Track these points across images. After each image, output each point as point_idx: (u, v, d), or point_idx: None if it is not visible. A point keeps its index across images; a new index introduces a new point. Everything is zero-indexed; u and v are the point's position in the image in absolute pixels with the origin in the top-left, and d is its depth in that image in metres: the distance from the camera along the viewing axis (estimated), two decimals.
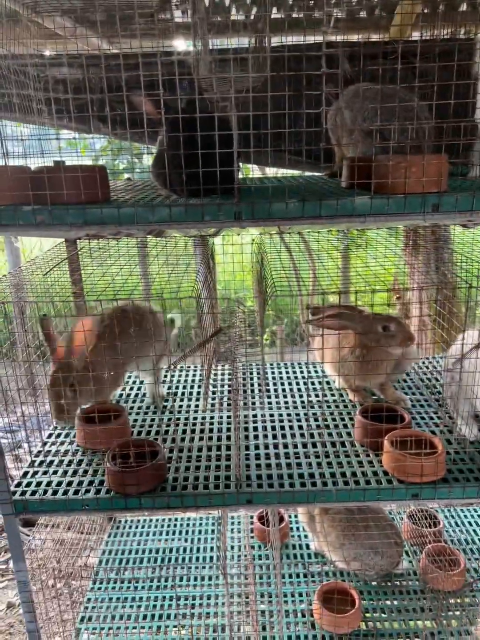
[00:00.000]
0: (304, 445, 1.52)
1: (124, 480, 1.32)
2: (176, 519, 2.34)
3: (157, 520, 2.33)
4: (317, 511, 2.01)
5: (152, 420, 1.73)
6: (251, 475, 1.40)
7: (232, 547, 2.10)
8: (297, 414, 1.70)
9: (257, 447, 1.53)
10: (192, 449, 1.53)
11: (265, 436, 1.59)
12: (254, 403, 1.69)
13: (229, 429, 1.63)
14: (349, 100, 1.54)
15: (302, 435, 1.58)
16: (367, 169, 1.14)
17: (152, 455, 1.39)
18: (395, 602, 1.88)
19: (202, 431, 1.64)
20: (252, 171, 2.95)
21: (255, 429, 1.63)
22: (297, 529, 2.22)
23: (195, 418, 1.72)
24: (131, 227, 1.11)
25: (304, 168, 2.03)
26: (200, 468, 1.44)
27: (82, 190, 1.11)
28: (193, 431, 1.64)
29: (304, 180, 1.67)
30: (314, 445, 1.52)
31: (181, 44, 2.27)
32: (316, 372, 2.02)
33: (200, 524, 2.28)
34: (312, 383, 1.94)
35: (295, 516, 2.25)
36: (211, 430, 1.64)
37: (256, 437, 1.59)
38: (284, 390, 1.89)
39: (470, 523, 2.24)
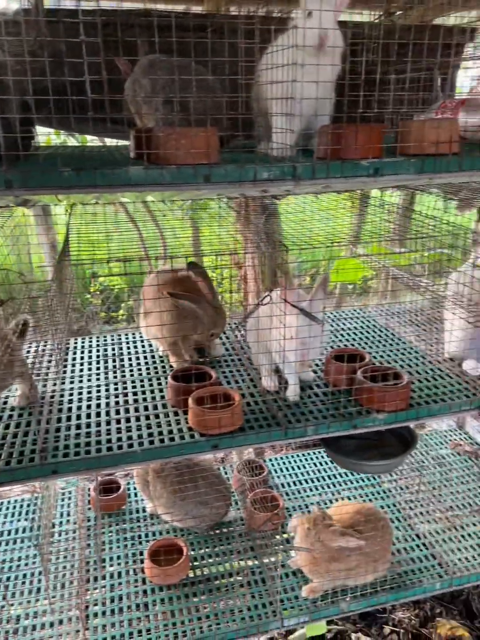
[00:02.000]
0: (117, 412, 1.57)
1: None
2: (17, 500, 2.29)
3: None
4: (151, 476, 2.09)
5: None
6: (59, 446, 1.41)
7: (62, 523, 2.11)
8: (115, 384, 1.74)
9: (69, 418, 1.54)
10: None
11: (80, 407, 1.60)
12: (47, 375, 1.68)
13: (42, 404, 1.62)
14: (145, 71, 1.56)
15: (116, 403, 1.62)
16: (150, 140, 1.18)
17: None
18: (222, 548, 2.04)
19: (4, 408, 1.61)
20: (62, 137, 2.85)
21: (71, 401, 1.64)
22: (136, 494, 2.29)
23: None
24: None
25: (111, 135, 2.01)
26: (4, 445, 1.42)
27: None
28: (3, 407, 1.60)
29: (106, 151, 1.67)
30: (127, 411, 1.58)
31: None
32: (141, 341, 2.07)
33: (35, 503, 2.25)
34: (135, 352, 1.98)
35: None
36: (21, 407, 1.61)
37: (70, 409, 1.59)
38: (98, 361, 1.91)
39: (289, 468, 2.49)
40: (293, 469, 2.48)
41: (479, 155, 1.30)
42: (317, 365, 1.82)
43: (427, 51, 1.60)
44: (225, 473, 2.44)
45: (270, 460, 2.55)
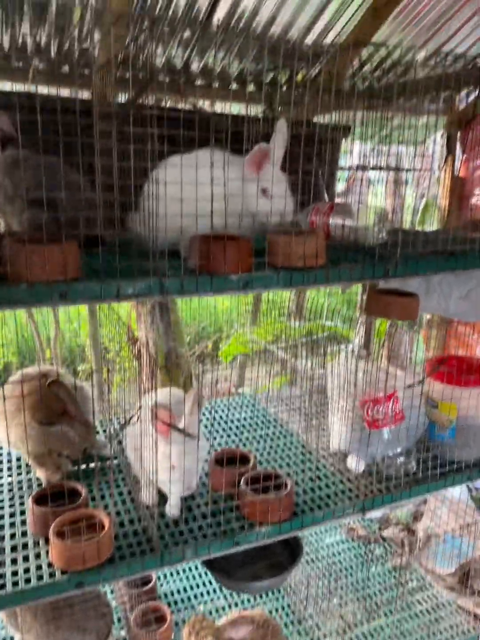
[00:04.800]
0: None
1: None
2: None
3: None
4: (19, 613, 1.82)
5: None
6: None
7: None
8: None
9: None
10: None
11: None
12: None
13: None
14: (8, 169, 1.47)
15: None
16: None
17: None
18: None
19: None
20: None
21: None
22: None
23: None
24: None
25: None
26: None
27: None
28: None
29: None
30: None
31: None
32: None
33: None
34: None
35: None
36: None
37: None
38: None
39: (180, 571, 2.31)
40: (184, 571, 2.30)
41: (345, 267, 1.34)
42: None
43: (305, 148, 1.66)
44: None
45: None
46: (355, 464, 1.74)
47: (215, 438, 1.94)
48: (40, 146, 1.26)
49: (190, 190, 1.19)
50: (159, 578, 2.23)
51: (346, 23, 2.28)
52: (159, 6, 2.17)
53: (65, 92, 2.13)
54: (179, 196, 1.18)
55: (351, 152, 2.77)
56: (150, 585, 2.12)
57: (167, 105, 2.31)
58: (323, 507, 1.55)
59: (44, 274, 1.06)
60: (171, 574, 2.29)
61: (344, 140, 2.60)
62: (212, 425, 2.02)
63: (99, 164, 1.28)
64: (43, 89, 2.19)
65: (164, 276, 1.15)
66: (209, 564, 1.58)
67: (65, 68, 2.32)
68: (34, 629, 1.79)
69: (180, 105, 2.30)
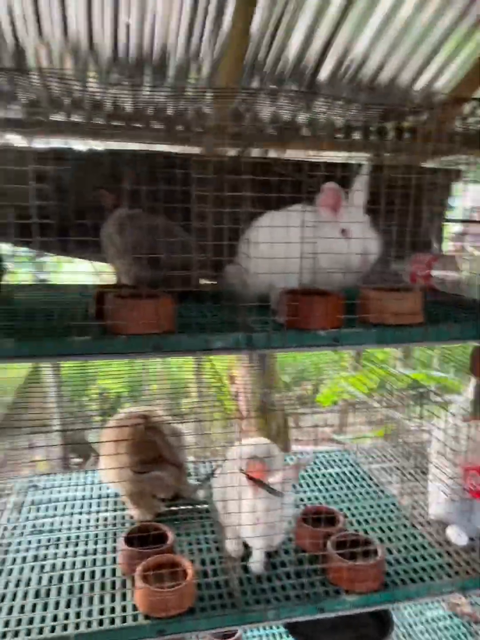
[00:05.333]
0: (60, 580, 1.43)
1: None
2: None
3: None
4: None
5: None
6: None
7: None
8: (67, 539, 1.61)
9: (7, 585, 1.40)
10: None
11: (22, 570, 1.46)
12: None
13: None
14: (119, 227, 1.60)
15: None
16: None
17: None
18: None
19: None
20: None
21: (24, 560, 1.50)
22: None
23: None
24: None
25: (93, 257, 2.01)
26: None
27: None
28: None
29: (79, 295, 1.65)
30: (72, 577, 1.43)
31: None
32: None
33: None
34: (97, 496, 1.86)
35: None
36: None
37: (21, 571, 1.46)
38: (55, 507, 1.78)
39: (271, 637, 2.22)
40: (266, 628, 2.22)
41: (444, 326, 1.27)
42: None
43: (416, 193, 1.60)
44: None
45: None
46: (456, 536, 1.59)
47: (305, 491, 1.89)
48: (143, 203, 1.37)
49: (281, 248, 1.21)
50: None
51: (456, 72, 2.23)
52: (267, 63, 2.28)
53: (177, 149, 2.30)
54: (270, 254, 1.21)
55: (463, 195, 2.66)
56: (236, 636, 2.08)
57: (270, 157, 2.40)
58: (418, 581, 1.44)
59: (140, 327, 1.12)
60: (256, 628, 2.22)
61: (454, 184, 2.51)
62: (302, 478, 1.97)
63: (195, 223, 1.36)
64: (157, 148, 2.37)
65: (252, 331, 1.16)
66: (292, 627, 1.51)
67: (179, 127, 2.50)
68: None
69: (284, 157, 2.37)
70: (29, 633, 1.25)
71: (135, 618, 1.29)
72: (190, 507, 1.75)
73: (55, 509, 1.77)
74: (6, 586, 1.40)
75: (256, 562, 1.46)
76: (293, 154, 2.47)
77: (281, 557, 1.53)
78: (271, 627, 2.15)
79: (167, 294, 1.19)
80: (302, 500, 1.84)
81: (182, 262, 1.45)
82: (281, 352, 1.19)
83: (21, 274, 1.99)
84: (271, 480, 1.39)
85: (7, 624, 1.27)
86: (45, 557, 1.51)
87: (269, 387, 2.74)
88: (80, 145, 2.24)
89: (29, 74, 1.30)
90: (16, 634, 1.24)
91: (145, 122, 2.47)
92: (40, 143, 1.94)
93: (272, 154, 2.69)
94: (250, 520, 1.39)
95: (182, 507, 1.74)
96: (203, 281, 1.64)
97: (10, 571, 1.46)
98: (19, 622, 1.28)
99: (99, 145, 2.27)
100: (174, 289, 1.23)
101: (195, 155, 2.11)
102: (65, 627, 1.26)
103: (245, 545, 1.52)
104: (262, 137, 2.45)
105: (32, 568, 1.47)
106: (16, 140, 1.98)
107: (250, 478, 1.37)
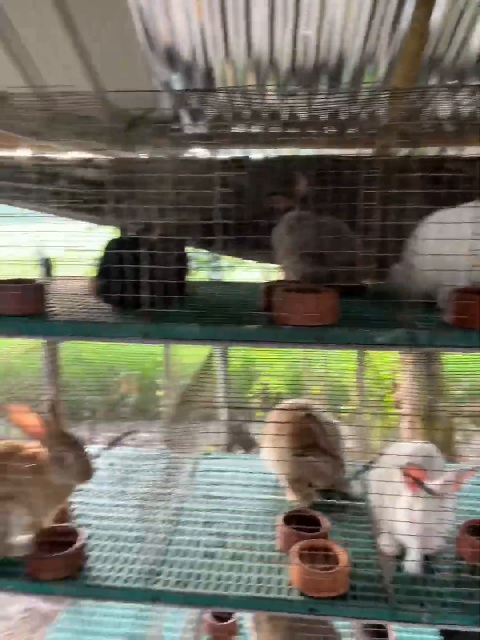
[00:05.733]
0: (223, 546, 1.58)
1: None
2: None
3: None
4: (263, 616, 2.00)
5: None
6: (172, 572, 1.46)
7: None
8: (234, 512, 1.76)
9: (180, 543, 1.59)
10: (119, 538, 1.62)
11: (193, 532, 1.65)
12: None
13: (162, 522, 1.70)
14: (289, 228, 1.70)
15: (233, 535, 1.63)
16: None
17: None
18: None
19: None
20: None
21: (186, 523, 1.70)
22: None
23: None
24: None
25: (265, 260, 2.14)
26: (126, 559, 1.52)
27: None
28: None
29: (250, 290, 1.79)
30: (234, 545, 1.58)
31: None
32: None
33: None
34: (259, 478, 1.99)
35: None
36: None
37: (183, 532, 1.65)
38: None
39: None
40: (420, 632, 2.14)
41: None
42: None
43: None
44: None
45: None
46: None
47: (471, 502, 1.79)
48: (312, 205, 1.44)
49: (452, 245, 1.20)
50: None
51: None
52: (446, 58, 2.20)
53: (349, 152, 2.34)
54: (440, 251, 1.20)
55: None
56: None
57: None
58: None
59: (303, 319, 1.21)
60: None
61: None
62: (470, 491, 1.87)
63: (363, 221, 1.39)
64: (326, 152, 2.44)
65: (415, 328, 1.17)
66: (448, 634, 1.45)
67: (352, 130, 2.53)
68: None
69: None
70: (196, 586, 1.41)
71: (289, 592, 1.38)
72: (345, 502, 1.79)
73: (223, 485, 1.94)
74: (180, 543, 1.60)
75: (412, 562, 1.44)
76: (473, 150, 2.34)
77: (439, 564, 1.49)
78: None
79: (330, 289, 1.25)
80: (468, 511, 1.75)
81: (346, 258, 1.51)
82: (449, 355, 1.17)
83: (199, 274, 2.24)
84: (431, 483, 1.37)
85: (179, 574, 1.45)
86: (213, 525, 1.68)
87: (435, 393, 2.62)
88: (257, 153, 2.42)
89: (216, 92, 1.47)
90: (185, 585, 1.42)
91: (319, 128, 2.56)
92: (222, 153, 2.15)
93: (450, 151, 2.58)
94: (406, 519, 1.38)
95: (337, 501, 1.78)
96: (369, 279, 1.67)
97: (184, 531, 1.66)
98: (188, 575, 1.45)
99: (273, 152, 2.43)
100: (338, 284, 1.29)
101: (365, 156, 2.13)
102: (226, 587, 1.40)
103: (401, 545, 1.51)
104: (439, 134, 2.37)
105: (202, 532, 1.65)
106: (200, 152, 2.22)
107: (409, 476, 1.37)
